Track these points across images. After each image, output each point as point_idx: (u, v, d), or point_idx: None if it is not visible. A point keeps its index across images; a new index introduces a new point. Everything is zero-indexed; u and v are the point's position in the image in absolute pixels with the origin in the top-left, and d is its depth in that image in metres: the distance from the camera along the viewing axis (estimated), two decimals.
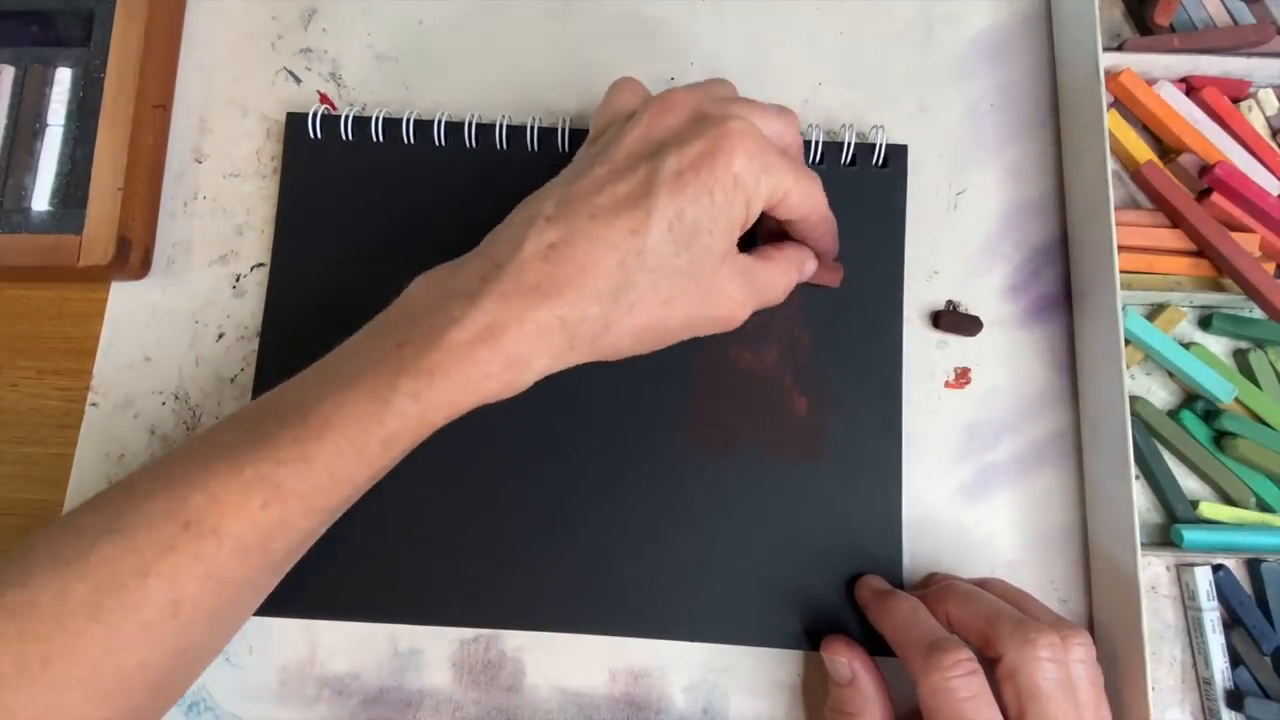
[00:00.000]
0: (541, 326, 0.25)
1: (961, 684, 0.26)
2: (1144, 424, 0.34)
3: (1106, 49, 0.36)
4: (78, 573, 0.24)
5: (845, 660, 0.30)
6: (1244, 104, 0.37)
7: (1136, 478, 0.33)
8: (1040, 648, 0.26)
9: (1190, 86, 0.37)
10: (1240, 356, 0.35)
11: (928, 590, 0.31)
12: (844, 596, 0.33)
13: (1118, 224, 0.33)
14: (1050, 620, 0.28)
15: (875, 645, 0.31)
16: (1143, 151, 0.36)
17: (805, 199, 0.28)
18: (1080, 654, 0.27)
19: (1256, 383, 0.35)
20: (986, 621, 0.27)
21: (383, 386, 0.25)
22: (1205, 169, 0.35)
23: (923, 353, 0.35)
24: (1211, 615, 0.32)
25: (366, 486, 0.27)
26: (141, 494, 0.25)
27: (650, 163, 0.26)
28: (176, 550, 0.24)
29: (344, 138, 0.36)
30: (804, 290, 0.35)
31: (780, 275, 0.30)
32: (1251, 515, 0.33)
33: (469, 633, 0.33)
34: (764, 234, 0.32)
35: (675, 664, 0.33)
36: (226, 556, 0.24)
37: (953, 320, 0.35)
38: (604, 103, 0.30)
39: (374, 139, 0.36)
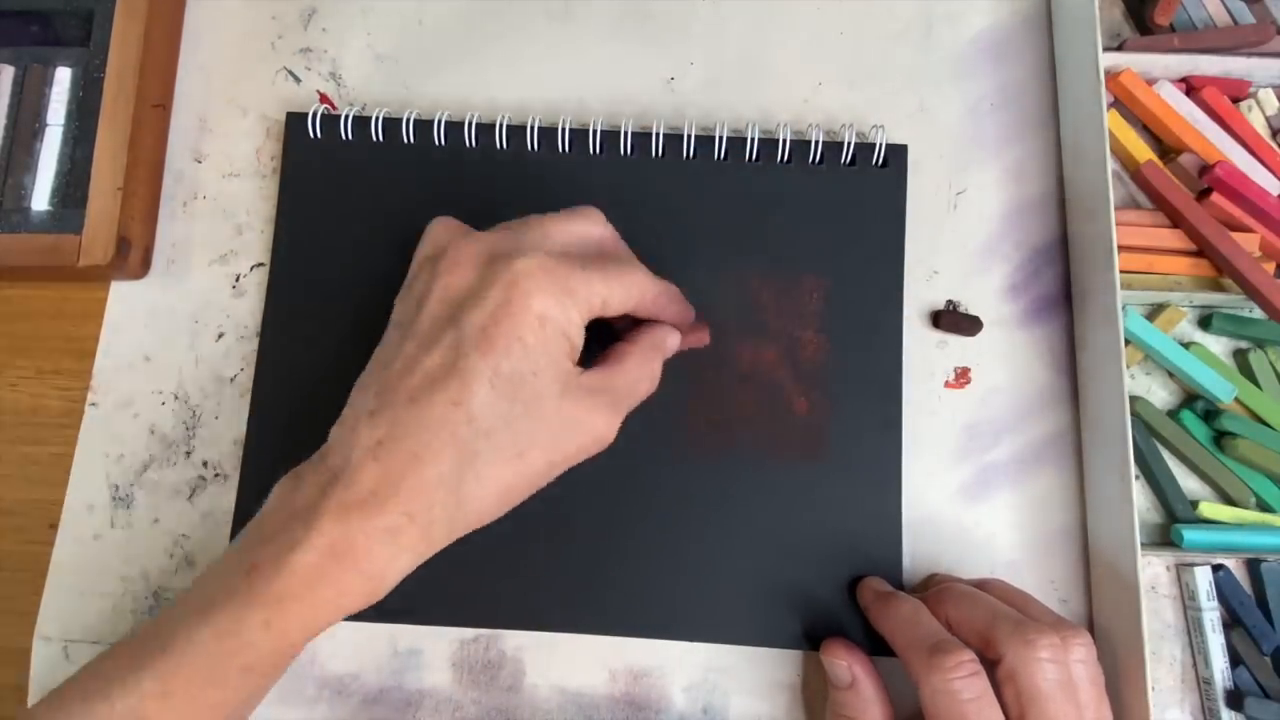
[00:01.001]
0: (389, 530, 0.24)
1: (964, 685, 0.26)
2: (1144, 424, 0.34)
3: (1106, 49, 0.36)
4: None
5: (845, 664, 0.29)
6: (1244, 104, 0.37)
7: (1136, 478, 0.33)
8: (1040, 649, 0.26)
9: (1190, 86, 0.37)
10: (1240, 356, 0.35)
11: (927, 592, 0.31)
12: (844, 596, 0.33)
13: (1118, 224, 0.33)
14: (1050, 621, 0.28)
15: (875, 646, 0.31)
16: (1143, 151, 0.36)
17: (626, 294, 0.28)
18: (1081, 654, 0.27)
19: (1256, 383, 0.35)
20: (986, 623, 0.27)
21: (229, 620, 0.24)
22: (1205, 169, 0.35)
23: (923, 353, 0.35)
24: (1211, 615, 0.32)
25: (253, 700, 0.27)
26: None
27: (453, 328, 0.26)
28: None
29: (344, 137, 0.36)
30: (804, 291, 0.35)
31: (639, 369, 0.29)
32: (1251, 515, 0.33)
33: (469, 633, 0.33)
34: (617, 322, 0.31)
35: (675, 664, 0.33)
36: None
37: (953, 320, 0.35)
38: (419, 245, 0.30)
39: (374, 139, 0.36)
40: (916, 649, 0.27)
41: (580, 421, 0.27)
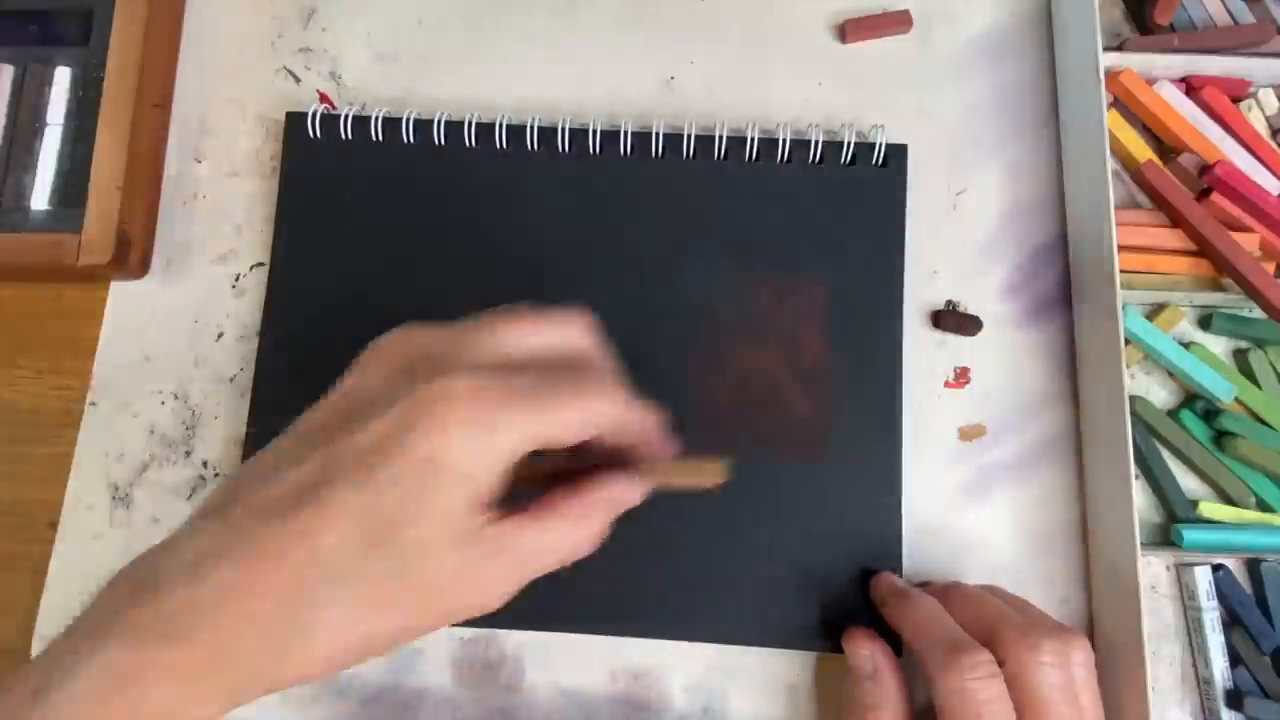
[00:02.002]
0: (185, 670, 0.19)
1: (981, 686, 0.26)
2: (1144, 424, 0.34)
3: (1106, 49, 0.36)
4: None
5: (868, 652, 0.29)
6: (1244, 104, 0.37)
7: (1136, 478, 0.33)
8: (1044, 653, 0.26)
9: (1190, 86, 0.37)
10: (1240, 356, 0.35)
11: (931, 589, 0.31)
12: (844, 596, 0.33)
13: (1118, 224, 0.33)
14: (1051, 625, 0.28)
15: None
16: (1143, 151, 0.36)
17: (578, 427, 0.22)
18: (1081, 659, 0.27)
19: (1256, 382, 0.35)
20: (991, 625, 0.27)
21: None
22: (1205, 169, 0.35)
23: (923, 353, 0.35)
24: (1211, 615, 0.32)
25: None
26: None
27: (334, 442, 0.21)
28: None
29: (343, 137, 0.36)
30: (804, 291, 0.35)
31: (567, 529, 0.23)
32: (1251, 515, 0.33)
33: (468, 632, 0.33)
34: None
35: (675, 664, 0.33)
36: None
37: (954, 320, 0.35)
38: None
39: (373, 138, 0.36)
40: (934, 647, 0.27)
41: (464, 582, 0.21)
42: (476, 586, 0.22)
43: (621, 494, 0.25)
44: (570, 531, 0.23)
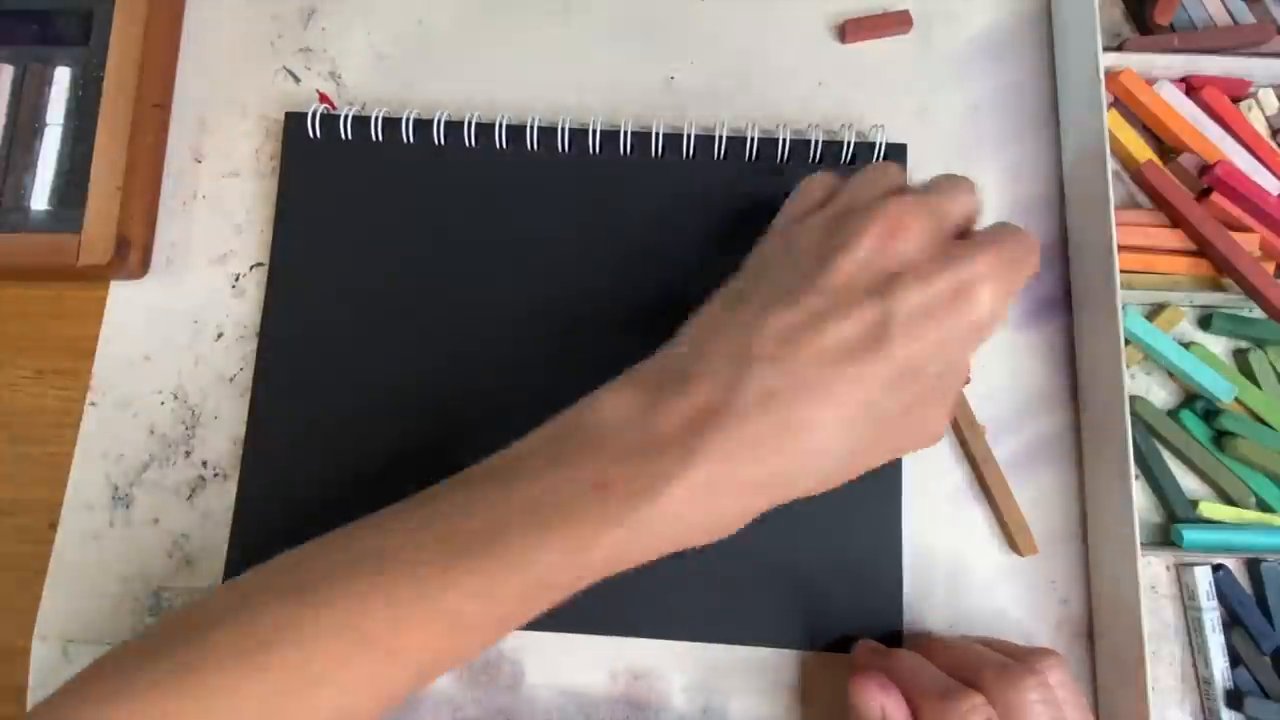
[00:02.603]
0: (758, 485, 0.23)
1: None
2: (1144, 424, 0.34)
3: (1106, 49, 0.36)
4: (258, 668, 0.22)
5: (878, 704, 0.28)
6: (1244, 104, 0.37)
7: (1136, 478, 0.33)
8: (1028, 690, 0.26)
9: (1190, 86, 0.37)
10: (1240, 356, 0.35)
11: (910, 646, 0.31)
12: (843, 595, 0.33)
13: (1118, 224, 0.33)
14: (1024, 656, 0.28)
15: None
16: (1143, 151, 0.36)
17: (1031, 271, 0.26)
18: (1058, 677, 0.27)
19: (1256, 383, 0.35)
20: (972, 668, 0.28)
21: (583, 536, 0.23)
22: (1205, 169, 0.35)
23: None
24: (1211, 615, 0.32)
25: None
26: (322, 600, 0.23)
27: (881, 302, 0.24)
28: (353, 665, 0.23)
29: (343, 137, 0.36)
30: None
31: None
32: (1251, 515, 0.33)
33: None
34: None
35: (675, 664, 0.33)
36: (400, 676, 0.24)
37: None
38: (795, 199, 0.29)
39: (373, 138, 0.36)
40: (926, 697, 0.27)
41: (930, 422, 0.26)
42: (936, 426, 0.26)
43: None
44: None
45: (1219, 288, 0.35)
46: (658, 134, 0.35)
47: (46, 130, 0.35)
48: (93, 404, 0.35)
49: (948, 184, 0.27)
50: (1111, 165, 0.34)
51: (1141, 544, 0.30)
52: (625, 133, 0.35)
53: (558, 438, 0.25)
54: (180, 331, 0.35)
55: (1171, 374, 0.35)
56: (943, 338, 0.24)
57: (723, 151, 0.35)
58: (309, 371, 0.34)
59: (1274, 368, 0.35)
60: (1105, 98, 0.34)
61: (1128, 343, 0.34)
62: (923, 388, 0.24)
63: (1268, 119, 0.37)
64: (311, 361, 0.34)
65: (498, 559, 0.23)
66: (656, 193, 0.35)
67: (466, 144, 0.36)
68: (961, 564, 0.33)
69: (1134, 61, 0.36)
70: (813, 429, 0.23)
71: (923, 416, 0.25)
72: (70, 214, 0.34)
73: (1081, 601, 0.33)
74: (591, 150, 0.35)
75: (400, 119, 0.35)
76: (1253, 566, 0.33)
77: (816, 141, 0.35)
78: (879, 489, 0.33)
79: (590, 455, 0.24)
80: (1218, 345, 0.35)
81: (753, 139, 0.35)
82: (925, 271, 0.24)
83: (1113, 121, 0.36)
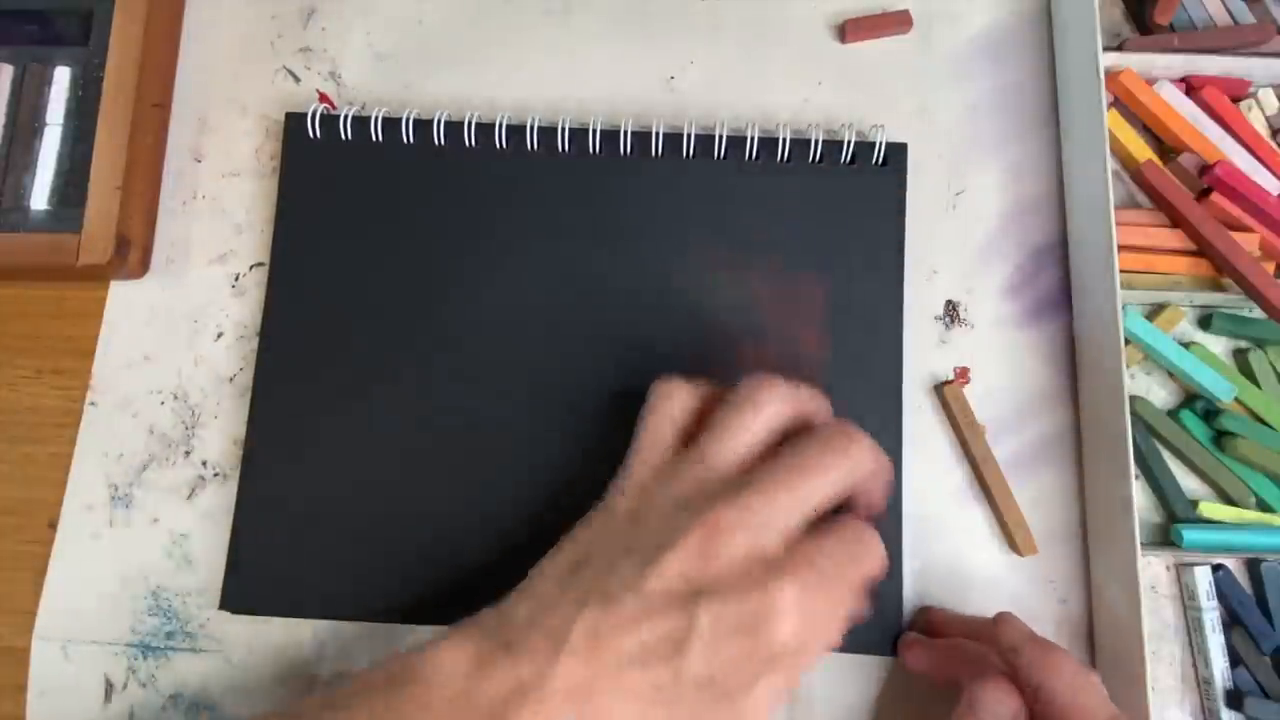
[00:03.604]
0: None
1: None
2: (1144, 424, 0.34)
3: (1106, 49, 0.36)
4: None
5: (1014, 707, 0.27)
6: (1244, 103, 0.37)
7: (1136, 478, 0.33)
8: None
9: (1190, 86, 0.37)
10: (1240, 356, 0.35)
11: (1029, 645, 0.29)
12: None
13: (1118, 224, 0.33)
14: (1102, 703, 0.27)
15: (863, 646, 0.31)
16: (1143, 151, 0.36)
17: (868, 572, 0.27)
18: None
19: (1256, 382, 0.35)
20: (1078, 710, 0.26)
21: None
22: (1205, 168, 0.35)
23: (923, 352, 0.35)
24: (1211, 615, 0.32)
25: None
26: None
27: (686, 614, 0.25)
28: None
29: (343, 137, 0.36)
30: (804, 290, 0.35)
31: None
32: (1251, 515, 0.33)
33: None
34: None
35: None
36: None
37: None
38: (651, 411, 0.29)
39: (373, 138, 0.36)
40: (1096, 717, 0.26)
41: (758, 714, 0.26)
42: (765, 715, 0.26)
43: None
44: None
45: (1219, 288, 0.35)
46: (658, 134, 0.35)
47: (46, 130, 0.35)
48: (93, 404, 0.35)
49: (782, 483, 0.26)
50: (1111, 165, 0.34)
51: (1141, 544, 0.30)
52: (625, 133, 0.35)
53: (394, 683, 0.25)
54: (180, 331, 0.35)
55: (1171, 374, 0.35)
56: (742, 658, 0.24)
57: (723, 151, 0.35)
58: (309, 371, 0.34)
59: (1274, 368, 0.35)
60: (1105, 98, 0.34)
61: (1128, 343, 0.34)
62: (733, 694, 0.25)
63: (1268, 119, 0.37)
64: (311, 361, 0.34)
65: None
66: (656, 193, 0.35)
67: (466, 144, 0.36)
68: (961, 564, 0.33)
69: (1134, 61, 0.36)
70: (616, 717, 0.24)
71: (738, 712, 0.25)
72: (70, 214, 0.34)
73: (1081, 601, 0.33)
74: (591, 150, 0.35)
75: (400, 119, 0.35)
76: (1253, 566, 0.33)
77: (816, 141, 0.35)
78: None
79: (417, 709, 0.25)
80: (1218, 345, 0.35)
81: (753, 139, 0.35)
82: (730, 592, 0.25)
83: (1113, 121, 0.36)
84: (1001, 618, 0.30)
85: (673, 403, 0.29)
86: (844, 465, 0.27)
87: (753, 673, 0.25)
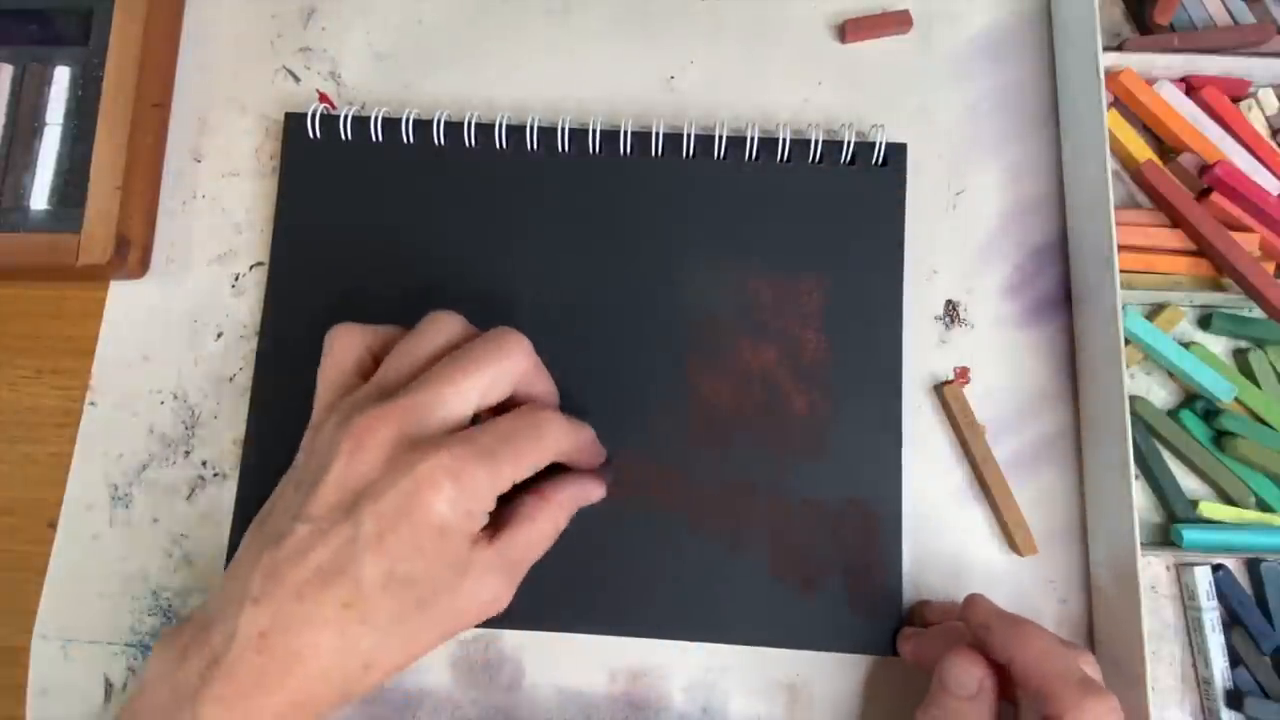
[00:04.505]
0: (279, 714, 0.24)
1: None
2: (1144, 424, 0.34)
3: (1106, 48, 0.36)
4: None
5: (978, 675, 0.28)
6: (1244, 103, 0.37)
7: (1136, 478, 0.33)
8: (1105, 714, 0.25)
9: (1190, 86, 0.37)
10: (1240, 356, 0.35)
11: (984, 621, 0.29)
12: (843, 595, 0.33)
13: (1118, 224, 0.33)
14: (1099, 688, 0.26)
15: (863, 645, 0.31)
16: (1143, 151, 0.36)
17: (541, 460, 0.27)
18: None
19: (1256, 382, 0.35)
20: (1050, 679, 0.26)
21: None
22: (1205, 168, 0.35)
23: (923, 352, 0.35)
24: (1211, 615, 0.32)
25: None
26: None
27: (349, 523, 0.25)
28: None
29: (343, 137, 0.36)
30: (804, 290, 0.35)
31: (546, 528, 0.28)
32: (1251, 515, 0.33)
33: (468, 632, 0.33)
34: None
35: (675, 664, 0.33)
36: None
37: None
38: (325, 357, 0.29)
39: (373, 138, 0.36)
40: (1063, 684, 0.26)
41: (476, 597, 0.26)
42: (487, 600, 0.26)
43: (588, 495, 0.30)
44: (550, 528, 0.28)
45: (1219, 288, 0.35)
46: (658, 134, 0.35)
47: (46, 130, 0.35)
48: (92, 404, 0.35)
49: (440, 377, 0.26)
50: (1111, 165, 0.34)
51: (1141, 544, 0.30)
52: (625, 133, 0.35)
53: (128, 703, 0.26)
54: (180, 331, 0.35)
55: (1171, 374, 0.35)
56: (413, 546, 0.24)
57: (723, 151, 0.35)
58: (309, 371, 0.34)
59: (1274, 368, 0.35)
60: (1105, 98, 0.34)
61: (1128, 343, 0.34)
62: (430, 589, 0.25)
63: (1268, 119, 0.37)
64: (311, 361, 0.34)
65: None
66: (656, 193, 0.35)
67: (466, 144, 0.36)
68: (961, 564, 0.33)
69: (1134, 61, 0.36)
70: (310, 656, 0.24)
71: (460, 597, 0.26)
72: (70, 213, 0.34)
73: (1081, 601, 0.33)
74: (591, 150, 0.35)
75: (400, 119, 0.35)
76: (1253, 566, 0.33)
77: (816, 141, 0.35)
78: (879, 489, 0.33)
79: (127, 714, 0.25)
80: (1218, 345, 0.35)
81: (753, 139, 0.35)
82: (379, 487, 0.25)
83: (1113, 121, 0.36)
84: (970, 598, 0.30)
85: (343, 344, 0.29)
86: (502, 364, 0.27)
87: (446, 561, 0.25)
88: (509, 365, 0.27)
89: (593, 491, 0.30)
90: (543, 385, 0.29)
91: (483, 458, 0.25)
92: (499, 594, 0.27)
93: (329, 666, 0.24)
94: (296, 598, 0.24)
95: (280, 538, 0.25)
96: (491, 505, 0.26)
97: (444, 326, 0.28)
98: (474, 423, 0.27)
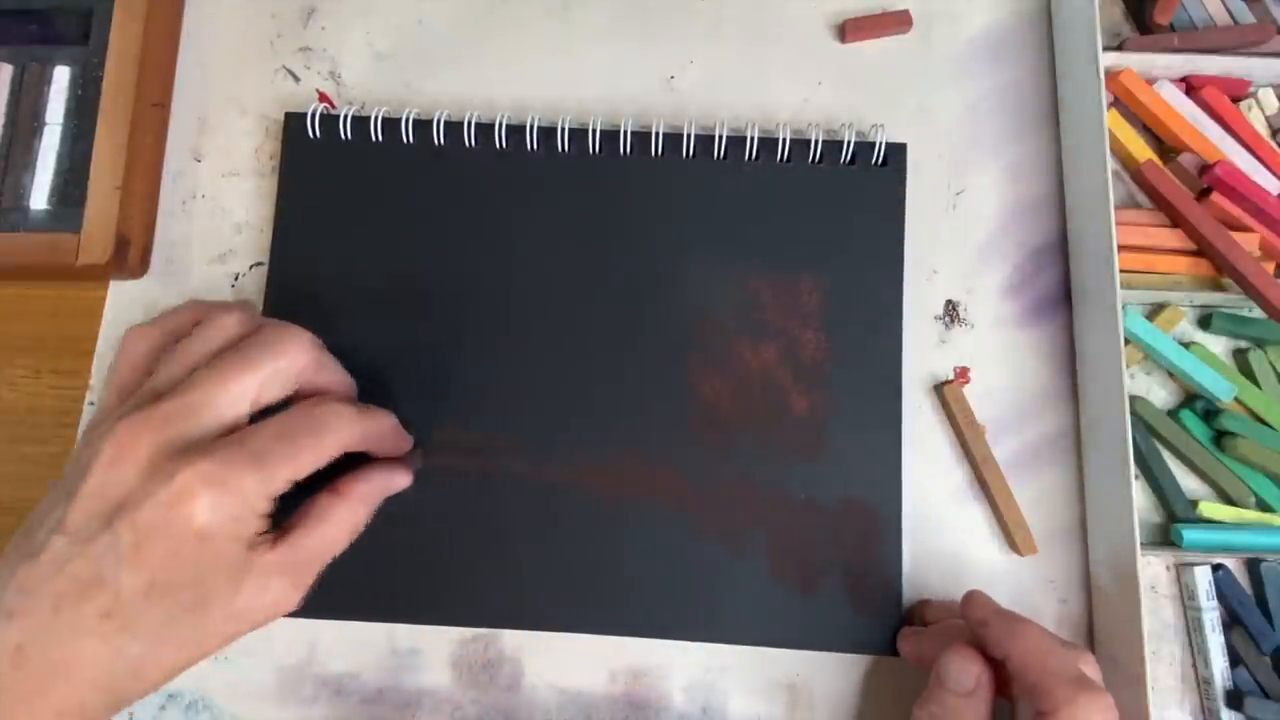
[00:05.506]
0: None
1: None
2: (1144, 424, 0.34)
3: (1106, 48, 0.36)
4: None
5: (977, 670, 0.27)
6: (1244, 103, 0.37)
7: (1136, 478, 0.33)
8: (1098, 711, 0.25)
9: (1190, 86, 0.37)
10: (1240, 356, 0.35)
11: (979, 618, 0.29)
12: (843, 595, 0.33)
13: (1118, 224, 0.33)
14: (1095, 684, 0.27)
15: (863, 645, 0.31)
16: (1143, 151, 0.36)
17: (322, 456, 0.26)
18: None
19: (1256, 382, 0.35)
20: (1045, 675, 0.26)
21: None
22: (1205, 168, 0.35)
23: (923, 352, 0.35)
24: (1211, 615, 0.32)
25: None
26: None
27: (109, 532, 0.24)
28: None
29: (343, 137, 0.36)
30: (804, 290, 0.35)
31: (342, 525, 0.27)
32: (1251, 515, 0.33)
33: (468, 632, 0.33)
34: None
35: (674, 664, 0.33)
36: None
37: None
38: (116, 357, 0.28)
39: (373, 138, 0.36)
40: (1055, 680, 0.26)
41: (257, 600, 0.25)
42: (270, 604, 0.26)
43: (388, 484, 0.29)
44: (345, 525, 0.28)
45: (1219, 288, 0.35)
46: (658, 134, 0.35)
47: (46, 129, 0.35)
48: (92, 404, 0.35)
49: (208, 379, 0.26)
50: (1111, 165, 0.34)
51: (1141, 544, 0.30)
52: (625, 133, 0.35)
53: None
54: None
55: (1171, 374, 0.35)
56: (173, 554, 0.24)
57: (723, 151, 0.35)
58: None
59: (1274, 368, 0.35)
60: (1105, 98, 0.34)
61: (1128, 343, 0.34)
62: (199, 596, 0.25)
63: (1268, 119, 0.37)
64: None
65: None
66: (656, 193, 0.35)
67: (466, 144, 0.36)
68: (961, 564, 0.33)
69: (1134, 61, 0.36)
70: (73, 667, 0.24)
71: (240, 601, 0.25)
72: (69, 213, 0.34)
73: (1081, 601, 0.33)
74: (591, 150, 0.35)
75: (400, 119, 0.35)
76: (1253, 566, 0.33)
77: (816, 141, 0.35)
78: (879, 489, 0.33)
79: None
80: (1218, 345, 0.35)
81: (753, 139, 0.35)
82: (136, 497, 0.24)
83: (1113, 121, 0.36)
84: (969, 595, 0.30)
85: (133, 343, 0.28)
86: (276, 361, 0.27)
87: (215, 567, 0.25)
88: (284, 363, 0.27)
89: (397, 480, 0.30)
90: (329, 376, 0.29)
91: (251, 461, 0.25)
92: (283, 596, 0.26)
93: (94, 676, 0.24)
94: (53, 610, 0.24)
95: (35, 552, 0.24)
96: (265, 508, 0.25)
97: (223, 324, 0.28)
98: (262, 417, 0.26)
